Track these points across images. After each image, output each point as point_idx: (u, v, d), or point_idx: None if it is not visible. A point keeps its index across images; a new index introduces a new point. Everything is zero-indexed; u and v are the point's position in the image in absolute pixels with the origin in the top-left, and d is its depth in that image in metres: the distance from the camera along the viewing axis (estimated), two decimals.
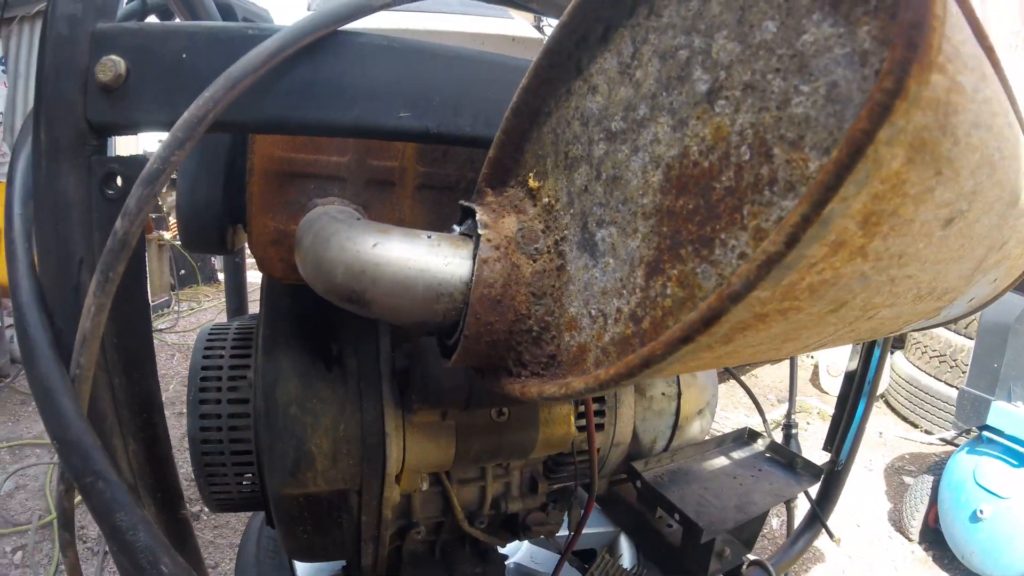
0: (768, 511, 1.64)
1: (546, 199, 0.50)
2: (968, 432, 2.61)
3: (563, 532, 1.42)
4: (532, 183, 0.52)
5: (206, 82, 0.55)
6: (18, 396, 3.61)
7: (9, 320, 4.12)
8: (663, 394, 1.55)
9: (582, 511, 1.38)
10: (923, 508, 2.70)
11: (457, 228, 0.55)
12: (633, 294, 0.37)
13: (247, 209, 0.77)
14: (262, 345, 0.94)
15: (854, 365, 1.72)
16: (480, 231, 0.49)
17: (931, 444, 3.62)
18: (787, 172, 0.30)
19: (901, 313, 0.62)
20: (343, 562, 1.45)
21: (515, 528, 1.35)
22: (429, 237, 0.53)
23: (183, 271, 6.20)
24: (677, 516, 1.41)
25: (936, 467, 2.72)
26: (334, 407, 0.87)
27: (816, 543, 2.84)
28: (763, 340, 0.41)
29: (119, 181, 0.56)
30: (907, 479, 2.93)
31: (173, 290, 5.85)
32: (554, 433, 1.12)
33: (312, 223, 0.59)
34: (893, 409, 4.21)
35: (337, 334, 0.95)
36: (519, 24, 2.56)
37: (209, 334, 1.13)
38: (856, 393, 1.72)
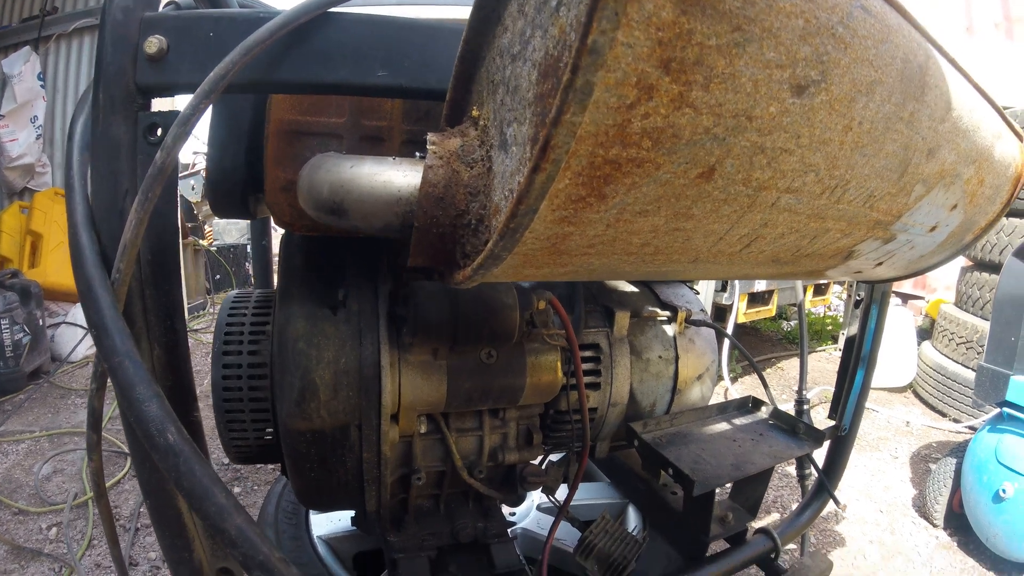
0: (770, 476, 1.67)
1: (482, 122, 0.62)
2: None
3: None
4: (475, 112, 0.64)
5: (228, 54, 0.69)
6: (57, 391, 3.84)
7: (51, 320, 4.39)
8: (660, 357, 1.60)
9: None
10: (947, 492, 2.63)
11: (418, 155, 0.68)
12: (525, 165, 0.48)
13: (264, 166, 0.92)
14: (278, 295, 1.07)
15: (854, 330, 1.75)
16: (428, 146, 0.61)
17: (959, 432, 3.54)
18: (575, 31, 0.39)
19: (820, 210, 0.65)
20: (351, 512, 1.54)
21: (513, 481, 1.41)
22: (393, 159, 0.66)
23: (218, 276, 6.48)
24: (672, 471, 1.44)
25: (959, 449, 2.66)
26: (336, 342, 0.98)
27: (837, 528, 2.83)
28: (648, 205, 0.49)
29: (159, 131, 0.71)
30: (933, 467, 2.88)
31: (208, 294, 6.14)
32: (541, 379, 1.20)
33: (309, 162, 0.73)
34: (921, 399, 4.12)
35: (343, 283, 1.08)
36: None
37: (235, 298, 1.26)
38: (856, 358, 1.74)
